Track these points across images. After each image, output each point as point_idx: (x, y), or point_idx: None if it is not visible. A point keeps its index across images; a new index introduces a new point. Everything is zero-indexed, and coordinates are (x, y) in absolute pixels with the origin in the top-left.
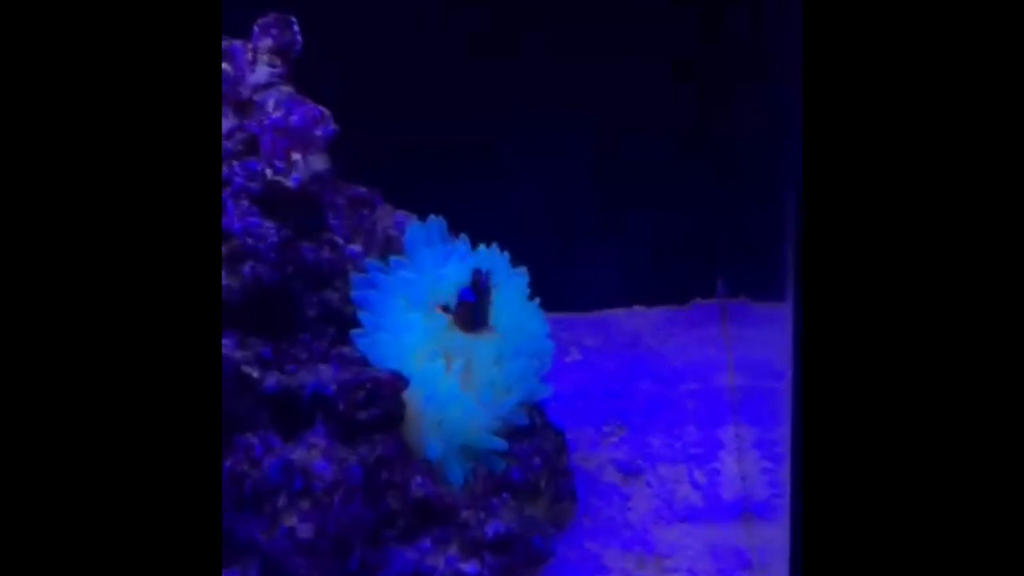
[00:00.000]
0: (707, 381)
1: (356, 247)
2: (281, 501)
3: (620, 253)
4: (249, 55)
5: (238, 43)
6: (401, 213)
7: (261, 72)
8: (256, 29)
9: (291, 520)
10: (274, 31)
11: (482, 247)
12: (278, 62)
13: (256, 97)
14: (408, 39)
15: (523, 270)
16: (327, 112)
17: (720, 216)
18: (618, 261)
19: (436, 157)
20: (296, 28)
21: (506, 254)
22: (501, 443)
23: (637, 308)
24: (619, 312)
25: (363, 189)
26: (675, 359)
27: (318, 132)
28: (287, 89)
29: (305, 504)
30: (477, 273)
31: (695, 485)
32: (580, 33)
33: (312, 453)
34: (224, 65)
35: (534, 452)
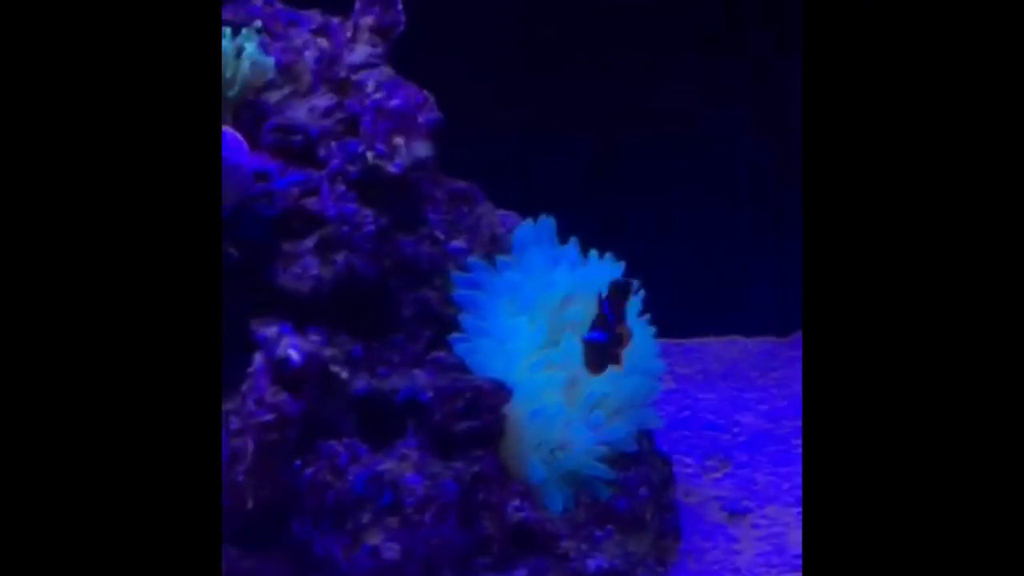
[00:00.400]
0: None
1: (459, 243)
2: (366, 517)
3: (716, 279)
4: (348, 33)
5: (336, 20)
6: (504, 212)
7: (360, 51)
8: (358, 6)
9: (376, 538)
10: (376, 9)
11: (594, 254)
12: (379, 42)
13: (355, 77)
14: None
15: (636, 283)
16: (430, 96)
17: None
18: (714, 287)
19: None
20: (400, 7)
21: (621, 263)
22: (607, 471)
23: (735, 338)
24: (714, 341)
25: (463, 183)
26: (779, 393)
27: (421, 118)
28: (388, 70)
29: (392, 521)
30: (614, 296)
31: None
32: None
33: (403, 465)
34: (321, 41)
35: (641, 482)
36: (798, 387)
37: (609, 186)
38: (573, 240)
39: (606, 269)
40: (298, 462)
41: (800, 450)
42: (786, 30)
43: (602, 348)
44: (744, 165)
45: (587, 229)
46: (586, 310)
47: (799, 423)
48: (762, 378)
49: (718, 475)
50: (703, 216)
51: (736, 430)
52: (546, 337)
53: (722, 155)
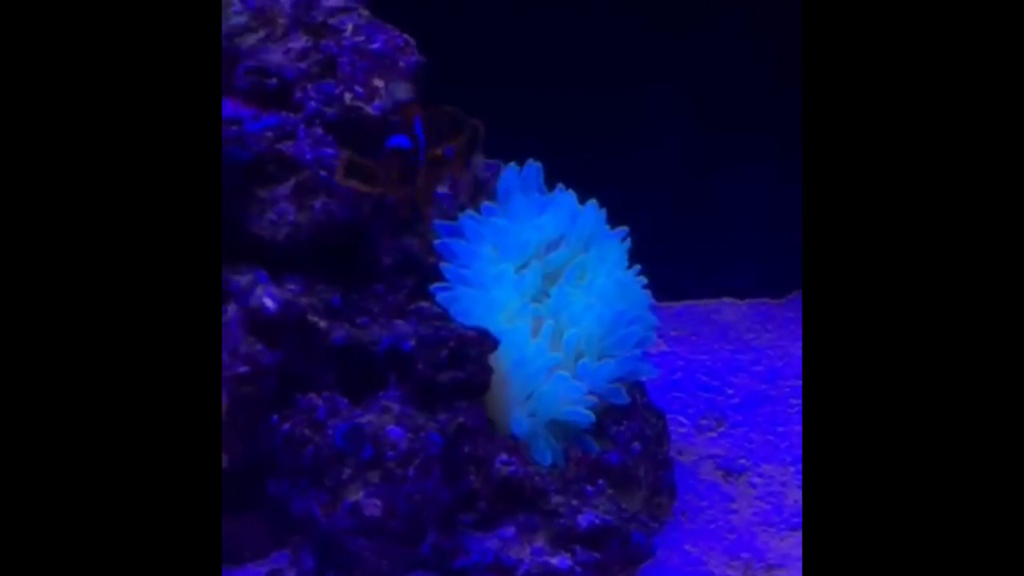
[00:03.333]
0: None
1: (442, 189)
2: (346, 472)
3: (708, 242)
4: None
5: None
6: (491, 160)
7: None
8: None
9: (356, 494)
10: None
11: (575, 198)
12: None
13: (332, 21)
14: None
15: (623, 231)
16: (411, 40)
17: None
18: (706, 250)
19: (528, 112)
20: None
21: (604, 211)
22: (588, 415)
23: (727, 300)
24: (708, 303)
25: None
26: (773, 355)
27: (401, 62)
28: (366, 14)
29: (374, 476)
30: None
31: None
32: None
33: (384, 418)
34: None
35: (633, 436)
36: (793, 348)
37: (600, 143)
38: (560, 187)
39: (591, 215)
40: (275, 416)
41: (797, 410)
42: None
43: (404, 158)
44: (737, 125)
45: (577, 183)
46: (573, 257)
47: (795, 384)
48: (757, 340)
49: (713, 434)
50: (696, 178)
51: (731, 391)
52: (532, 284)
53: (714, 115)
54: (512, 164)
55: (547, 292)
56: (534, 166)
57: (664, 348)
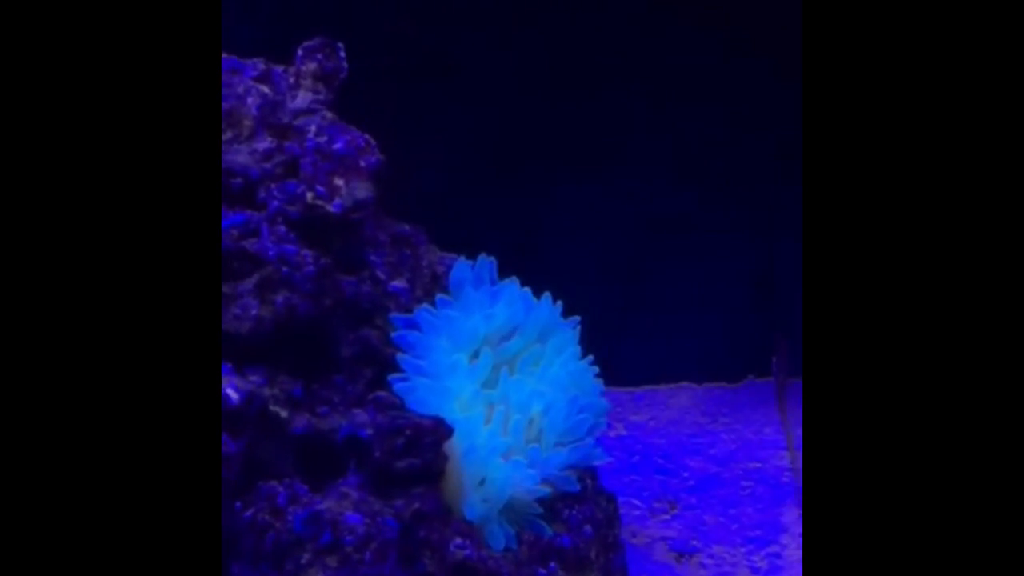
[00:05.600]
0: (765, 461)
1: (400, 283)
2: (305, 557)
3: (666, 328)
4: (291, 79)
5: (279, 67)
6: (448, 255)
7: (303, 98)
8: (300, 52)
9: None
10: (319, 56)
11: (529, 292)
12: (322, 88)
13: (296, 122)
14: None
15: (575, 321)
16: (372, 141)
17: (776, 292)
18: (664, 336)
19: (483, 206)
20: (342, 54)
21: (559, 303)
22: (536, 508)
23: (685, 384)
24: (665, 388)
25: (406, 226)
26: (728, 438)
27: (362, 161)
28: (330, 116)
29: (332, 561)
30: None
31: (754, 570)
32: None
33: (343, 504)
34: (263, 88)
35: (585, 520)
36: (748, 432)
37: (557, 233)
38: (513, 279)
39: (544, 308)
40: (238, 503)
41: (749, 492)
42: None
43: None
44: (696, 211)
45: (532, 274)
46: (528, 347)
47: (747, 466)
48: (712, 424)
49: (667, 517)
50: (655, 264)
51: (686, 474)
52: (485, 374)
53: (671, 200)
54: (462, 258)
55: (499, 379)
56: (486, 261)
57: (623, 432)
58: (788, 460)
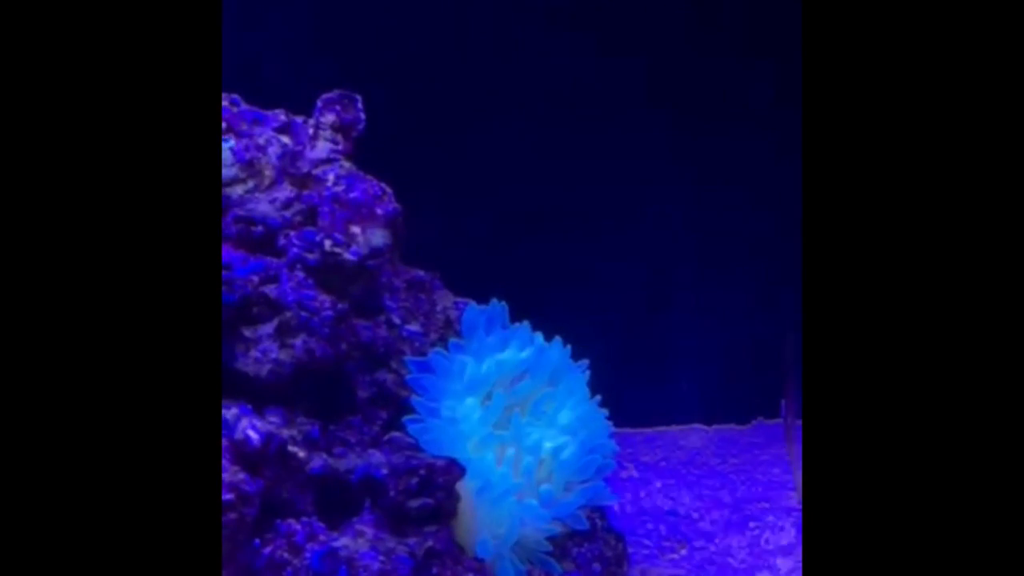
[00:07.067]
0: (774, 502)
1: (414, 327)
2: None
3: (677, 371)
4: (310, 130)
5: (299, 119)
6: (462, 299)
7: (322, 148)
8: (319, 104)
9: None
10: (337, 107)
11: (540, 336)
12: (340, 139)
13: (315, 172)
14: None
15: (584, 364)
16: (388, 189)
17: (785, 335)
18: (675, 379)
19: (499, 249)
20: (360, 106)
21: (568, 348)
22: (547, 546)
23: (696, 426)
24: (676, 429)
25: (422, 272)
26: (737, 479)
27: (379, 209)
28: (348, 165)
29: None
30: None
31: None
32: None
33: (359, 542)
34: (284, 139)
35: (594, 558)
36: (756, 473)
37: (568, 276)
38: (524, 323)
39: (555, 351)
40: (257, 540)
41: (756, 532)
42: None
43: None
44: (705, 254)
45: (543, 318)
46: (539, 389)
47: (756, 507)
48: (721, 464)
49: (676, 556)
50: (667, 306)
51: (695, 514)
52: (496, 416)
53: (680, 243)
54: (472, 303)
55: (511, 421)
56: (498, 305)
57: (634, 473)
58: (796, 500)
